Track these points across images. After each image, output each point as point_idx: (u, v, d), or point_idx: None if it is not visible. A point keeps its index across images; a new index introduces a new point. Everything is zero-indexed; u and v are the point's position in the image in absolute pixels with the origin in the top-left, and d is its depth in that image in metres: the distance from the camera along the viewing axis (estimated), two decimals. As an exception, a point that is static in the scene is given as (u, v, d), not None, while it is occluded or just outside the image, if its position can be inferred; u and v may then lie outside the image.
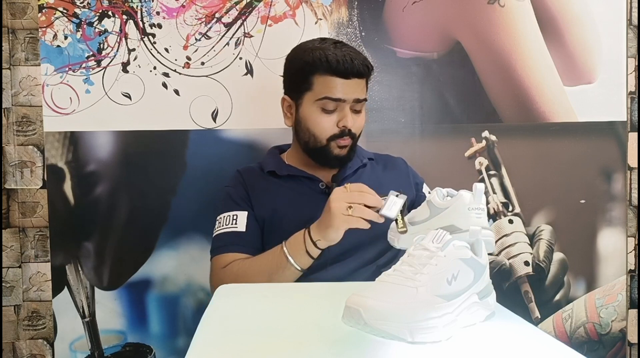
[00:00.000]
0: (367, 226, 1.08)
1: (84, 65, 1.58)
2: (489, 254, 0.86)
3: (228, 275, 1.20)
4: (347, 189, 1.10)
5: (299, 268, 1.15)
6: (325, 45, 1.24)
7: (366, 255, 1.24)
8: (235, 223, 1.26)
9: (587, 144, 1.69)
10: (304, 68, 1.24)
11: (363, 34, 1.62)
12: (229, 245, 1.25)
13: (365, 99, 1.27)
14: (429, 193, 1.38)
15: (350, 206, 1.07)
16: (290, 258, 1.15)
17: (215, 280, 1.24)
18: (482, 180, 1.67)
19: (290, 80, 1.30)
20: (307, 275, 1.20)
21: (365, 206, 1.07)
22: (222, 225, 1.28)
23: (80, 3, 1.57)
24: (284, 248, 1.16)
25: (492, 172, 1.67)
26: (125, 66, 1.59)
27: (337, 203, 1.09)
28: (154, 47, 1.59)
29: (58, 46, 1.57)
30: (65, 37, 1.57)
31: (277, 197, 1.29)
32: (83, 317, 1.62)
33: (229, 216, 1.28)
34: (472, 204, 0.92)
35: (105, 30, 1.58)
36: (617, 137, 1.69)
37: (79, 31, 1.58)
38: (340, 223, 1.09)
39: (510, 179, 1.68)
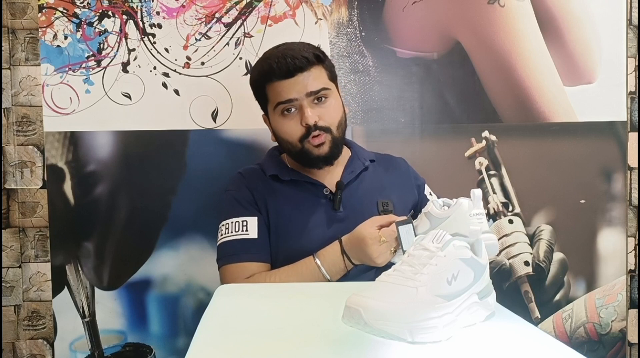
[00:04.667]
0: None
1: (84, 65, 1.58)
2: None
3: None
4: (383, 239, 1.11)
5: (331, 281, 1.17)
6: (269, 53, 1.26)
7: None
8: (246, 230, 1.23)
9: (587, 144, 1.69)
10: (256, 84, 1.27)
11: (363, 34, 1.62)
12: (242, 253, 1.22)
13: (324, 89, 1.23)
14: (431, 193, 1.38)
15: (392, 251, 1.12)
16: (326, 273, 1.16)
17: None
18: (482, 180, 1.67)
19: (256, 99, 1.32)
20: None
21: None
22: (231, 231, 1.24)
23: (80, 3, 1.57)
24: (317, 262, 1.16)
25: (492, 172, 1.67)
26: (125, 66, 1.59)
27: (382, 258, 1.12)
28: (154, 47, 1.59)
29: (58, 46, 1.57)
30: (65, 37, 1.58)
31: (281, 202, 1.27)
32: (83, 317, 1.62)
33: (238, 222, 1.24)
34: (472, 210, 0.93)
35: (105, 30, 1.58)
36: (617, 137, 1.69)
37: (79, 31, 1.58)
38: (382, 262, 1.13)
39: (510, 179, 1.68)
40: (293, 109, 1.23)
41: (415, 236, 1.06)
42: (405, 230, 1.07)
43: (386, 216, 1.14)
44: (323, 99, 1.23)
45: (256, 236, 1.23)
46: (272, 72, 1.21)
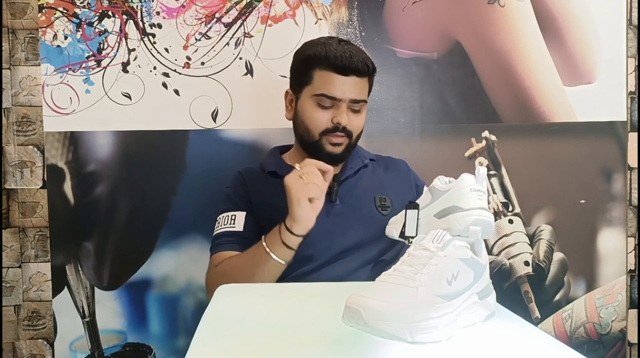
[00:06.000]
0: (323, 188, 1.13)
1: (84, 65, 1.58)
2: (490, 253, 0.86)
3: (218, 273, 1.21)
4: (297, 166, 1.15)
5: (282, 262, 1.15)
6: (330, 41, 1.26)
7: (367, 254, 1.24)
8: (233, 223, 1.27)
9: (587, 144, 1.69)
10: (306, 61, 1.26)
11: (363, 34, 1.63)
12: (224, 243, 1.26)
13: (364, 101, 1.27)
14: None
15: (301, 176, 1.12)
16: (270, 251, 1.15)
17: (207, 278, 1.26)
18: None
19: (294, 73, 1.32)
20: (308, 274, 1.20)
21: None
22: (221, 225, 1.28)
23: (80, 3, 1.57)
24: (264, 243, 1.17)
25: (492, 172, 1.67)
26: (125, 66, 1.59)
27: (291, 180, 1.13)
28: (154, 47, 1.59)
29: (58, 46, 1.57)
30: (65, 37, 1.58)
31: (279, 197, 1.28)
32: (83, 317, 1.62)
33: (228, 216, 1.28)
34: (474, 186, 0.92)
35: (105, 30, 1.58)
36: (617, 137, 1.69)
37: (79, 31, 1.58)
38: (300, 194, 1.12)
39: (510, 179, 1.68)
40: (329, 105, 1.24)
41: (418, 217, 1.05)
42: (412, 215, 1.06)
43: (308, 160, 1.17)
44: (358, 110, 1.27)
45: (241, 229, 1.26)
46: (330, 61, 1.21)
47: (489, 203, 1.66)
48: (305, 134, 1.28)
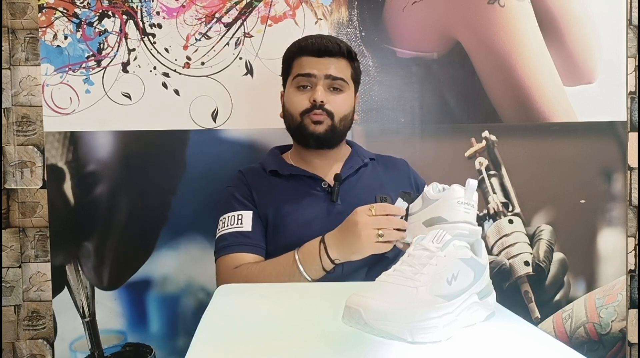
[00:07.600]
0: (390, 247, 1.10)
1: (84, 65, 1.58)
2: (490, 253, 0.86)
3: (237, 277, 1.19)
4: (372, 211, 1.09)
5: (310, 279, 1.15)
6: (310, 37, 1.32)
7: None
8: (241, 223, 1.26)
9: (587, 144, 1.69)
10: (287, 56, 1.33)
11: (363, 34, 1.62)
12: (235, 245, 1.24)
13: (342, 79, 1.28)
14: None
15: (379, 233, 1.08)
16: (302, 270, 1.14)
17: (225, 281, 1.22)
18: (482, 180, 1.67)
19: (281, 72, 1.37)
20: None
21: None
22: (227, 225, 1.27)
23: (80, 3, 1.57)
24: (296, 258, 1.15)
25: (492, 172, 1.67)
26: (125, 66, 1.59)
27: (367, 230, 1.08)
28: (154, 47, 1.59)
29: (58, 46, 1.57)
30: (65, 37, 1.58)
31: (280, 196, 1.29)
32: (83, 317, 1.62)
33: (234, 215, 1.27)
34: (462, 199, 0.92)
35: (105, 30, 1.58)
36: (617, 137, 1.69)
37: (79, 31, 1.58)
38: (369, 251, 1.10)
39: (510, 179, 1.68)
40: (308, 87, 1.28)
41: (408, 214, 1.06)
42: (399, 205, 1.08)
43: (380, 205, 1.11)
44: (338, 90, 1.29)
45: (250, 229, 1.25)
46: (305, 47, 1.29)
47: (488, 203, 1.67)
48: (289, 120, 1.32)
